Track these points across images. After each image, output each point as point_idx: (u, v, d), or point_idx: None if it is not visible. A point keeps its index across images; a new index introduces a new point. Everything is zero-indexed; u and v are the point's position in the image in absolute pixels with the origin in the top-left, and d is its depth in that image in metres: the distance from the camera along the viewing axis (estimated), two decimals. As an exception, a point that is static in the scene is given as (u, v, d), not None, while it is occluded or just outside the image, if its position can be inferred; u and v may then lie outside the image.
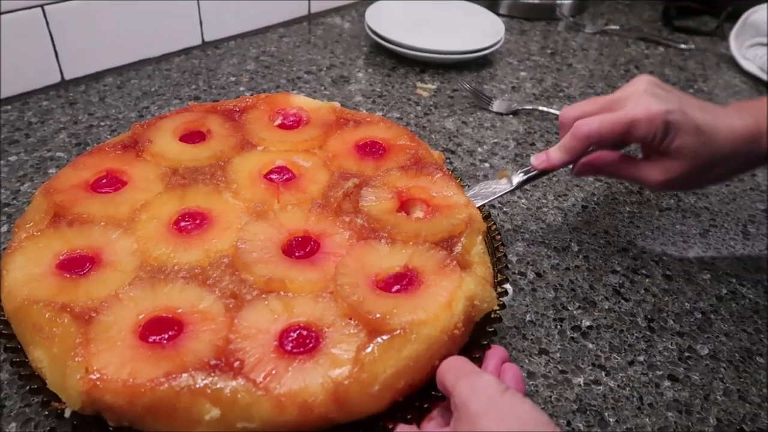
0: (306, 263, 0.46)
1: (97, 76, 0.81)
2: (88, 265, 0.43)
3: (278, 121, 0.61)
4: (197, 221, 0.48)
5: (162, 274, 0.43)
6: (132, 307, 0.41)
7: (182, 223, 0.48)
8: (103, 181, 0.51)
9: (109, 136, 0.71)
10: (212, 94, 0.80)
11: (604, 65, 0.96)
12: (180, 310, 0.41)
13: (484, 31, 0.93)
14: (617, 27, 1.07)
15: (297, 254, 0.47)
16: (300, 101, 0.63)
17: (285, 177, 0.54)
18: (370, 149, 0.57)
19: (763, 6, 0.95)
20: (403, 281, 0.45)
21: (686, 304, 0.55)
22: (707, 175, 0.51)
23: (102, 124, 0.73)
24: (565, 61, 0.96)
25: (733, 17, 1.00)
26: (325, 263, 0.46)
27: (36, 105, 0.75)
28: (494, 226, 0.55)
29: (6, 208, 0.59)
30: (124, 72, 0.83)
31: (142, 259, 0.44)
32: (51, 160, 0.66)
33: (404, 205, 0.52)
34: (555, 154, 0.53)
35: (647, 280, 0.57)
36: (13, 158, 0.66)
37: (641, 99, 0.49)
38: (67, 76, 0.79)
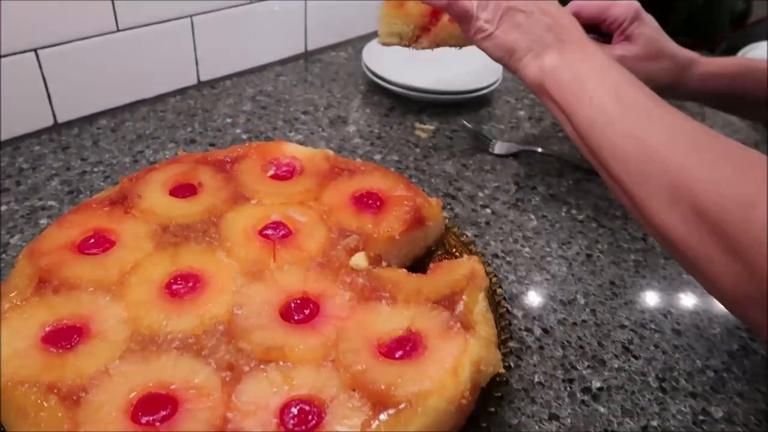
0: (306, 328, 0.44)
1: (91, 119, 0.80)
2: (75, 337, 0.41)
3: (271, 172, 0.59)
4: (190, 284, 0.46)
5: (154, 345, 0.41)
6: (123, 384, 0.39)
7: (174, 286, 0.46)
8: (91, 241, 0.49)
9: (102, 183, 0.69)
10: (208, 137, 0.79)
11: (603, 103, 0.95)
12: (174, 386, 0.39)
13: (482, 68, 0.93)
14: (614, 63, 1.07)
15: (296, 318, 0.45)
16: (292, 149, 0.62)
17: (281, 233, 0.52)
18: (367, 201, 0.56)
19: (761, 44, 0.95)
20: (407, 346, 0.43)
21: (698, 361, 0.53)
22: (652, 66, 0.64)
23: (95, 170, 0.71)
24: (563, 98, 0.96)
25: (729, 53, 1.01)
26: (326, 328, 0.44)
27: (28, 150, 0.73)
28: (495, 279, 0.54)
29: (-6, 263, 0.57)
30: (119, 114, 0.81)
31: (133, 328, 0.42)
32: (42, 209, 0.65)
33: None
34: None
35: (656, 335, 0.55)
36: (3, 208, 0.64)
37: None
38: (60, 119, 0.77)
